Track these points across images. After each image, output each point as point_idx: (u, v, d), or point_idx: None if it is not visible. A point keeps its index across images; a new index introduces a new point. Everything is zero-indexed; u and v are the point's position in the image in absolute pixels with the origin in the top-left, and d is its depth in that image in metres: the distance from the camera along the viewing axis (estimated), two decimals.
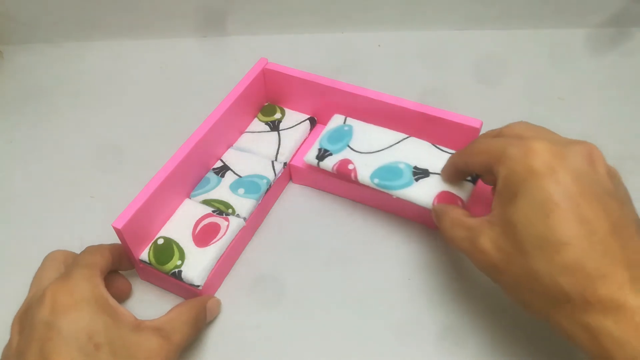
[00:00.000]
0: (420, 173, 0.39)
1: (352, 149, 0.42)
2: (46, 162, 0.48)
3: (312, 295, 0.38)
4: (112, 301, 0.31)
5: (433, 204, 0.37)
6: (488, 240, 0.29)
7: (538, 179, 0.27)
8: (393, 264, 0.40)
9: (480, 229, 0.30)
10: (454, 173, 0.37)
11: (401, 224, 0.42)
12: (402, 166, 0.40)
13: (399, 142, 0.42)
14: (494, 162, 0.30)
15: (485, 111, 0.45)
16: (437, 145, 0.41)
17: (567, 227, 0.26)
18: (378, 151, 0.41)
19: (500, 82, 0.54)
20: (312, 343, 0.36)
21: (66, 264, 0.34)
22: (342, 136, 0.43)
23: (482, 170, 0.32)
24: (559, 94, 0.53)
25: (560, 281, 0.26)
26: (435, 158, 0.40)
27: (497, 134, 0.33)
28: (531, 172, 0.27)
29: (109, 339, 0.29)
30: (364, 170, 0.40)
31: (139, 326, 0.31)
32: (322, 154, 0.42)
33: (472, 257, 0.31)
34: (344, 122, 0.44)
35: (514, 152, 0.28)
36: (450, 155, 0.39)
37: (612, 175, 0.28)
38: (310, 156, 0.42)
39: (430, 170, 0.39)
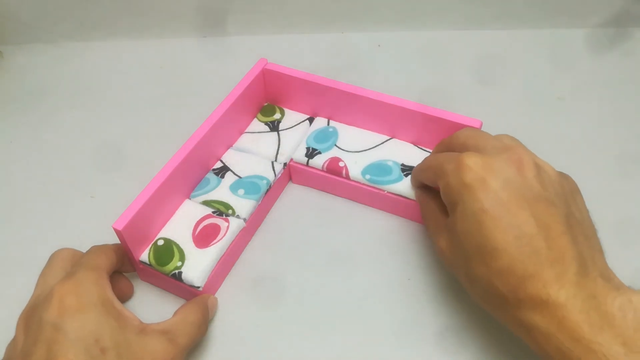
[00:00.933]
0: (408, 170, 0.41)
1: (340, 148, 0.44)
2: (46, 162, 0.48)
3: (312, 295, 0.38)
4: (118, 304, 0.32)
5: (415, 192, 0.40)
6: (444, 241, 0.33)
7: (470, 191, 0.29)
8: (393, 264, 0.40)
9: (442, 230, 0.33)
10: (418, 186, 0.39)
11: (401, 224, 0.42)
12: (390, 163, 0.42)
13: (383, 142, 0.44)
14: (436, 178, 0.33)
15: (485, 111, 0.45)
16: (419, 146, 0.43)
17: (498, 233, 0.28)
18: (365, 150, 0.43)
19: (500, 82, 0.54)
20: (312, 343, 0.36)
21: (73, 263, 0.34)
22: (328, 136, 0.45)
23: (432, 184, 0.35)
24: (559, 94, 0.53)
25: (497, 284, 0.28)
26: (419, 156, 0.42)
27: (448, 142, 0.36)
28: (464, 185, 0.30)
29: (115, 343, 0.29)
30: (355, 167, 0.42)
31: (144, 330, 0.31)
32: (311, 153, 0.43)
33: (435, 250, 0.34)
34: (328, 124, 0.46)
35: (449, 168, 0.31)
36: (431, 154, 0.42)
37: (542, 178, 0.30)
38: (299, 155, 0.43)
39: None
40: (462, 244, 0.30)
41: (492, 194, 0.29)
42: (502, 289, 0.28)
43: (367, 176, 0.41)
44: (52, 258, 0.34)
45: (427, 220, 0.37)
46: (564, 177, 0.33)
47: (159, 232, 0.39)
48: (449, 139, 0.36)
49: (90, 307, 0.30)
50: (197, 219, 0.39)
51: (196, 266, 0.36)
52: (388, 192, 0.41)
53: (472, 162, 0.30)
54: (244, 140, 0.46)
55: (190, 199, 0.41)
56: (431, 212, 0.36)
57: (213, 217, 0.39)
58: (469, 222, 0.29)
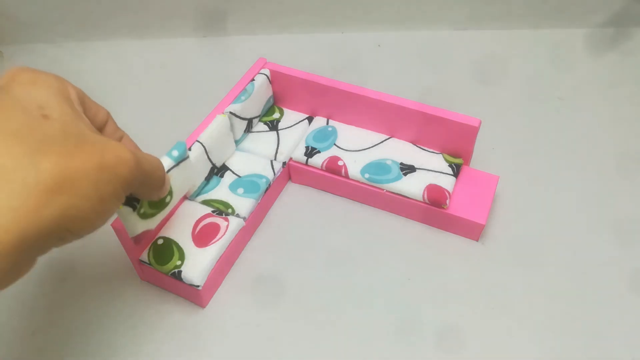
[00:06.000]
0: (407, 168, 0.42)
1: (339, 147, 0.44)
2: None
3: (312, 295, 0.38)
4: (80, 109, 0.28)
5: (423, 195, 0.40)
6: None
7: None
8: (393, 264, 0.40)
9: None
10: None
11: (401, 224, 0.42)
12: (389, 162, 0.42)
13: (382, 141, 0.44)
14: None
15: (485, 111, 0.45)
16: (418, 145, 0.44)
17: None
18: (364, 149, 0.43)
19: (500, 82, 0.54)
20: (312, 343, 0.36)
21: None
22: (327, 135, 0.45)
23: None
24: (559, 94, 0.53)
25: None
26: (418, 155, 0.43)
27: None
28: None
29: (61, 120, 0.25)
30: (354, 166, 0.42)
31: (98, 131, 0.28)
32: (310, 152, 0.43)
33: None
34: (327, 124, 0.46)
35: None
36: (429, 153, 0.43)
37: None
38: (298, 154, 0.43)
39: (416, 166, 0.42)
40: None
41: None
42: None
43: (366, 175, 0.41)
44: None
45: None
46: None
47: (158, 232, 0.39)
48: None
49: (44, 86, 0.26)
50: (197, 218, 0.39)
51: (196, 265, 0.36)
52: (387, 190, 0.41)
53: None
54: (244, 140, 0.46)
55: (189, 198, 0.41)
56: None
57: (213, 216, 0.39)
58: None
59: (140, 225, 0.33)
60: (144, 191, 0.30)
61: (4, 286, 0.23)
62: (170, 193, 0.34)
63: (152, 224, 0.34)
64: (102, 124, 0.30)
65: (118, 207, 0.27)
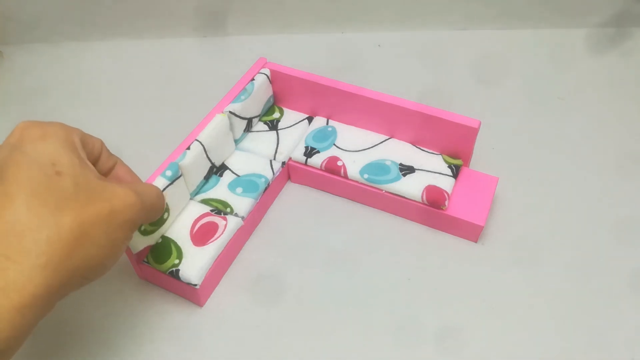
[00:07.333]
0: (406, 169, 0.42)
1: (338, 147, 0.44)
2: None
3: (311, 294, 0.38)
4: (83, 154, 0.30)
5: (422, 196, 0.40)
6: None
7: None
8: (393, 264, 0.40)
9: None
10: None
11: (401, 224, 0.42)
12: (388, 163, 0.42)
13: (382, 142, 0.44)
14: None
15: (485, 111, 0.45)
16: (417, 146, 0.44)
17: None
18: (364, 150, 0.43)
19: (500, 82, 0.54)
20: (311, 343, 0.36)
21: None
22: (327, 136, 0.45)
23: None
24: (559, 94, 0.53)
25: None
26: (418, 156, 0.43)
27: None
28: None
29: (73, 173, 0.27)
30: (353, 166, 0.42)
31: (105, 178, 0.30)
32: (310, 152, 0.43)
33: None
34: (327, 124, 0.46)
35: None
36: (429, 154, 0.43)
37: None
38: (297, 154, 0.43)
39: (415, 167, 0.42)
40: None
41: None
42: None
43: (365, 175, 0.41)
44: None
45: None
46: None
47: None
48: None
49: (52, 139, 0.28)
50: (195, 217, 0.39)
51: (194, 264, 0.36)
52: (386, 191, 0.41)
53: None
54: (243, 139, 0.46)
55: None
56: None
57: (211, 215, 0.39)
58: None
59: (142, 242, 0.36)
60: (146, 221, 0.33)
61: (30, 331, 0.25)
62: (168, 210, 0.37)
63: (152, 239, 0.37)
64: (98, 154, 0.32)
65: (127, 246, 0.30)
